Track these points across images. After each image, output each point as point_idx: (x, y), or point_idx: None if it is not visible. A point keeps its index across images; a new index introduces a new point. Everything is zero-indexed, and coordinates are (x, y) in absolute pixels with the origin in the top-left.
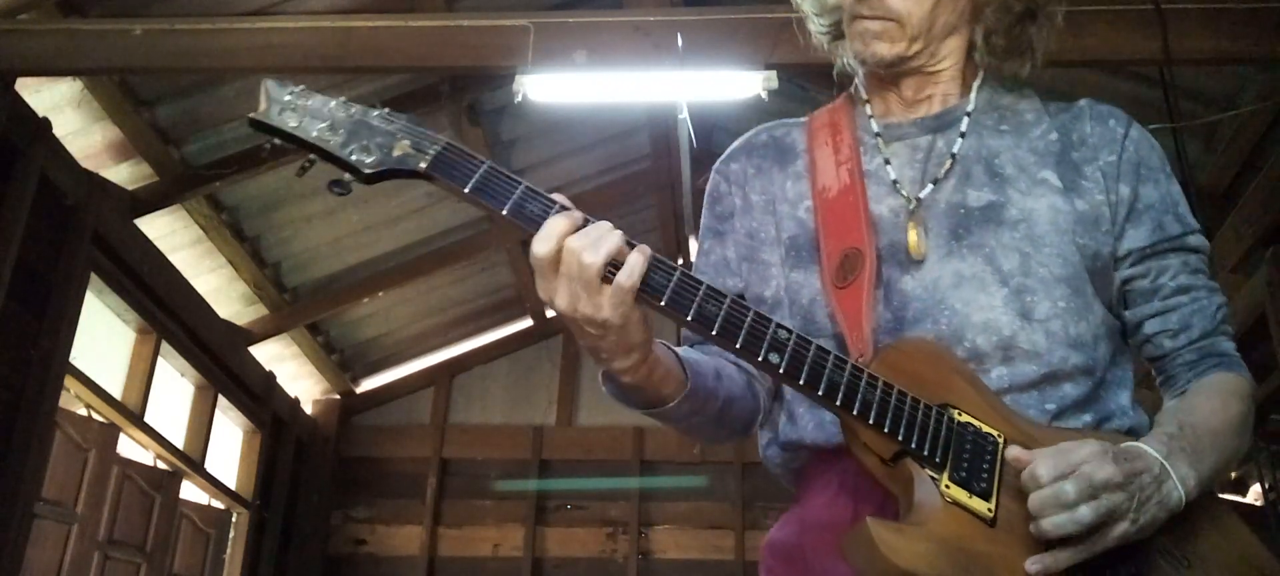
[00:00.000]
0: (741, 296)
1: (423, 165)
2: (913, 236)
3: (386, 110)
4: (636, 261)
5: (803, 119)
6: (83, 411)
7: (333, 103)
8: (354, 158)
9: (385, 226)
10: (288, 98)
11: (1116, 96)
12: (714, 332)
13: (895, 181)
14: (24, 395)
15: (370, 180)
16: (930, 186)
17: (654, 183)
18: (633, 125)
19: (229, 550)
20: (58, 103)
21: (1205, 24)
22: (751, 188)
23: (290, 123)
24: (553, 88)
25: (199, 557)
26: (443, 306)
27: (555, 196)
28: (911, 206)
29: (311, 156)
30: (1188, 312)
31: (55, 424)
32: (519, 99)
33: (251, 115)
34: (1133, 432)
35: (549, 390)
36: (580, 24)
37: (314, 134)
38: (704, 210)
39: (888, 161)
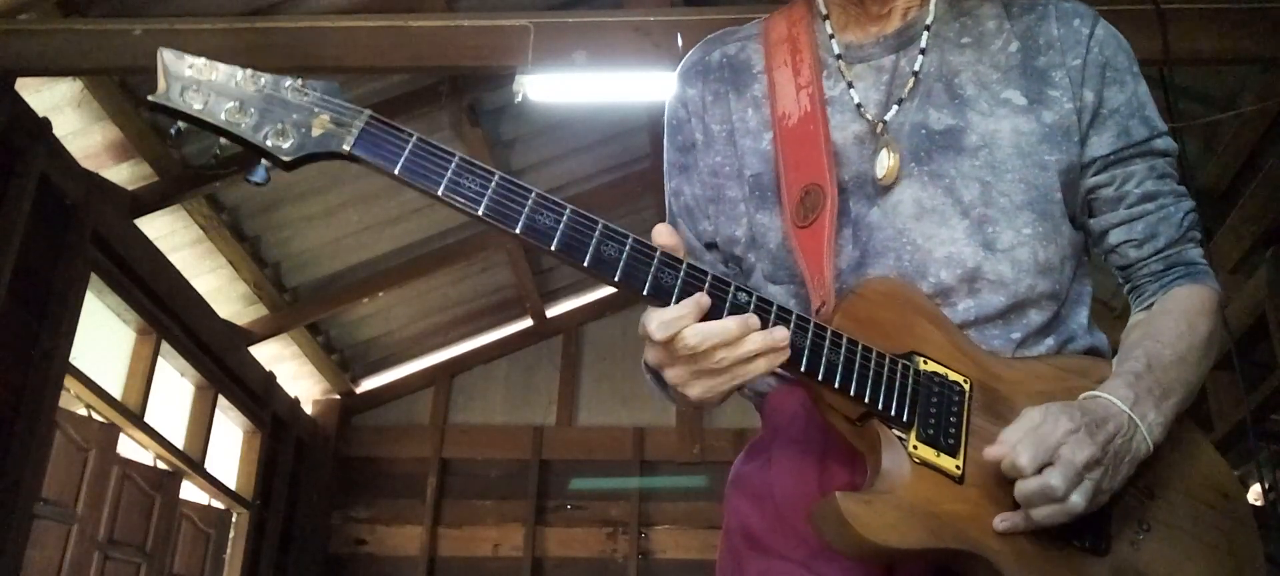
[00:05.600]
0: (712, 244)
1: (346, 146)
2: (888, 160)
3: (300, 80)
4: (760, 366)
5: (756, 26)
6: (83, 411)
7: (240, 75)
8: (269, 143)
9: (385, 226)
10: (189, 72)
11: None
12: (672, 304)
13: (859, 105)
14: (24, 395)
15: (290, 167)
16: (895, 108)
17: (654, 182)
18: (633, 125)
19: (229, 550)
20: (58, 103)
21: (1205, 24)
22: (711, 116)
23: (195, 105)
24: (553, 88)
25: (199, 557)
26: (443, 306)
27: (493, 171)
28: (878, 130)
29: (223, 141)
30: (1154, 221)
31: (55, 424)
32: (519, 99)
33: (150, 97)
34: (1092, 352)
35: (549, 390)
36: (580, 24)
37: (222, 117)
38: (666, 140)
39: (851, 86)
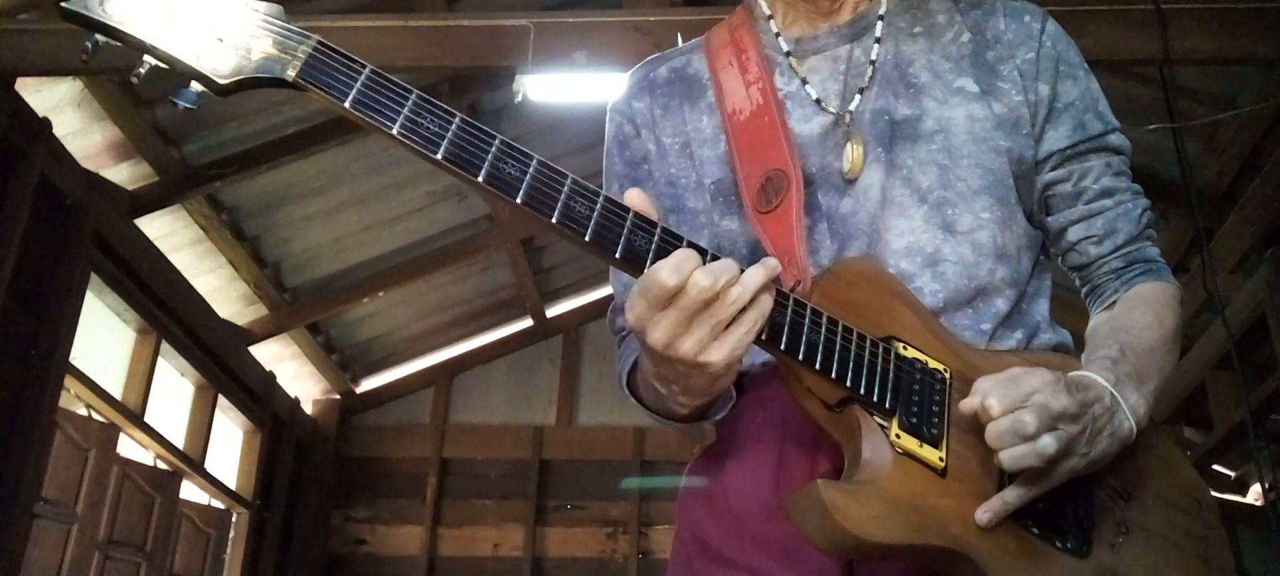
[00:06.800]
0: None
1: (290, 72)
2: (853, 153)
3: None
4: (766, 303)
5: (697, 41)
6: (83, 411)
7: None
8: (203, 64)
9: (385, 226)
10: None
11: (1116, 96)
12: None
13: (818, 100)
14: (24, 395)
15: (226, 92)
16: (857, 98)
17: None
18: None
19: (229, 550)
20: (58, 103)
21: (1205, 24)
22: (661, 130)
23: (114, 13)
24: (553, 87)
25: (199, 557)
26: (443, 306)
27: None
28: (846, 122)
29: (147, 60)
30: (1113, 217)
31: (55, 424)
32: (519, 99)
33: (63, 3)
34: (1059, 349)
35: (549, 390)
36: (580, 24)
37: (147, 31)
38: (610, 156)
39: (805, 80)
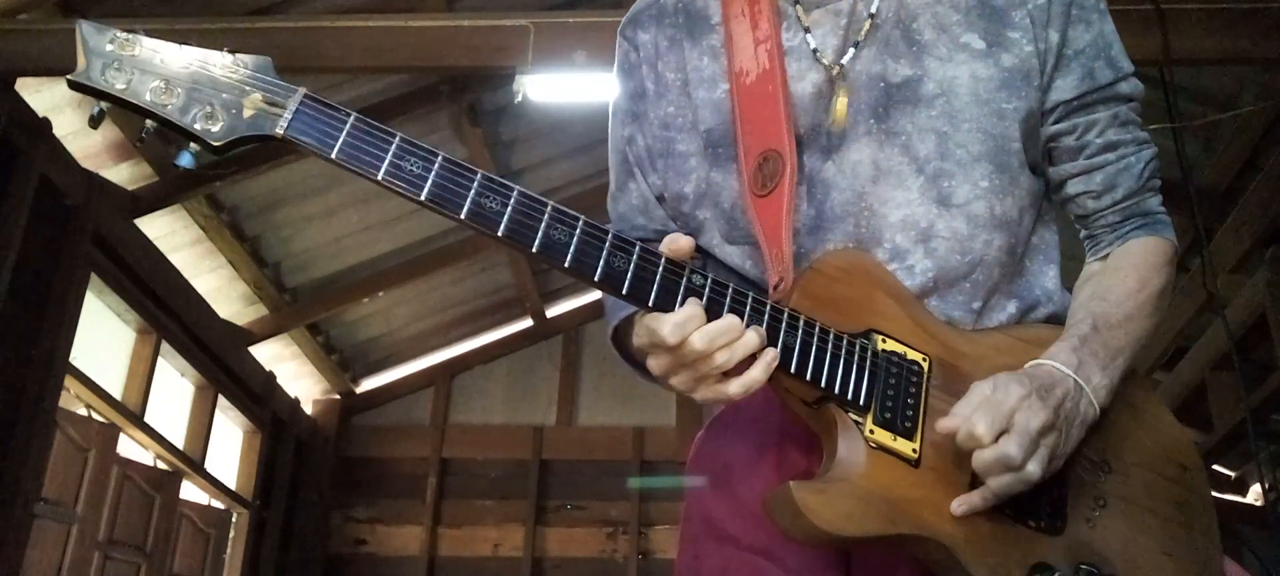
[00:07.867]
0: (661, 198)
1: (280, 129)
2: (839, 106)
3: (231, 56)
4: (757, 374)
5: None
6: (83, 411)
7: (166, 50)
8: (198, 126)
9: (385, 226)
10: (111, 47)
11: None
12: (625, 292)
13: (815, 50)
14: (24, 395)
15: (221, 152)
16: (851, 51)
17: None
18: None
19: (229, 550)
20: (58, 103)
21: (1205, 24)
22: (664, 64)
23: (117, 84)
24: (552, 88)
25: (199, 557)
26: (443, 306)
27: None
28: (834, 73)
29: (150, 123)
30: (1113, 172)
31: (55, 424)
32: (519, 99)
33: (70, 77)
34: (1055, 319)
35: (549, 390)
36: (580, 24)
37: (147, 98)
38: (616, 81)
39: (808, 31)
